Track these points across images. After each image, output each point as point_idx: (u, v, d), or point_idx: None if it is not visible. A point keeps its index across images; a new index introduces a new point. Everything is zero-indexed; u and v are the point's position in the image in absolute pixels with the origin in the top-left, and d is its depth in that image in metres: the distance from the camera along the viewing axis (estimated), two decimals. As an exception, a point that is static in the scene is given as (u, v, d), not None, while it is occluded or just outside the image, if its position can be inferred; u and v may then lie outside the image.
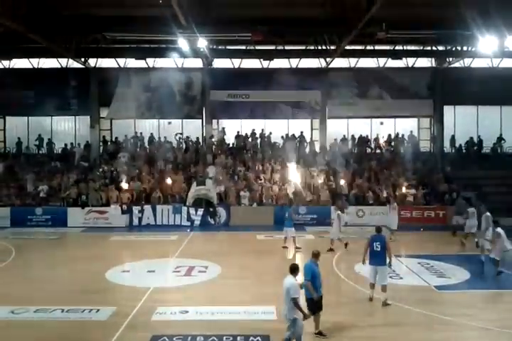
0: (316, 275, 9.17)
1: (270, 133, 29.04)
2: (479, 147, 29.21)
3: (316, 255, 9.40)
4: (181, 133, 29.31)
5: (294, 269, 8.33)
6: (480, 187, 25.47)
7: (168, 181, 24.38)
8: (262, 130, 29.09)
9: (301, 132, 29.01)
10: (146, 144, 29.05)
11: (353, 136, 29.49)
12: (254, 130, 29.07)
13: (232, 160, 27.14)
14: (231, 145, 29.07)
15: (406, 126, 30.01)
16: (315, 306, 9.09)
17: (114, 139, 29.41)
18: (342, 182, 24.62)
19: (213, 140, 29.15)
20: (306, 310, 8.39)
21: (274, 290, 12.14)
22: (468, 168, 26.58)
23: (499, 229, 13.61)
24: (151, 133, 29.44)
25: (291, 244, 17.36)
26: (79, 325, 9.88)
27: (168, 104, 28.66)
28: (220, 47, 26.69)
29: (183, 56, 26.07)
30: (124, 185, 23.92)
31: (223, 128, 29.54)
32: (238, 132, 29.20)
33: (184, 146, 28.97)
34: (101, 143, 29.79)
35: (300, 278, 8.90)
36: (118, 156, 26.79)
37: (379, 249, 11.28)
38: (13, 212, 23.28)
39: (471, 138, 29.22)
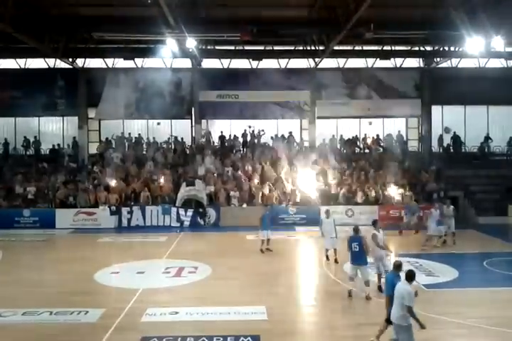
0: None
1: (262, 132, 28.95)
2: (460, 144, 29.41)
3: (398, 266, 8.57)
4: (175, 137, 29.18)
5: (411, 276, 7.88)
6: (467, 186, 25.73)
7: (157, 182, 24.28)
8: (253, 131, 29.06)
9: (290, 132, 29.04)
10: (135, 145, 28.90)
11: (341, 135, 29.60)
12: (246, 130, 29.06)
13: (221, 160, 27.10)
14: (219, 146, 29.01)
15: (394, 126, 30.21)
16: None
17: (105, 139, 29.21)
18: (331, 181, 24.75)
19: (201, 140, 29.09)
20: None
21: (265, 290, 12.21)
22: (456, 167, 26.79)
23: None
24: (139, 134, 29.31)
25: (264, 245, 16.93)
26: (67, 327, 9.80)
27: (157, 104, 28.51)
28: (209, 47, 26.63)
29: (171, 56, 25.96)
30: (113, 186, 23.80)
31: (207, 128, 29.52)
32: (222, 132, 29.15)
33: (173, 147, 28.87)
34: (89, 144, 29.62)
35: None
36: (110, 157, 26.63)
37: (357, 250, 11.47)
38: (0, 213, 23.03)
39: (454, 132, 29.42)
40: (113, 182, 24.12)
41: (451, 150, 29.59)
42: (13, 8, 19.34)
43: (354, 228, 11.94)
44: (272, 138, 28.97)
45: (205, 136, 29.08)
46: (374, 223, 12.59)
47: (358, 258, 11.48)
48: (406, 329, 7.66)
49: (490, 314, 10.41)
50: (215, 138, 29.27)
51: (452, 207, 18.63)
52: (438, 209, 17.80)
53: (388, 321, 8.14)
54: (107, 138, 29.04)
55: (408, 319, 7.64)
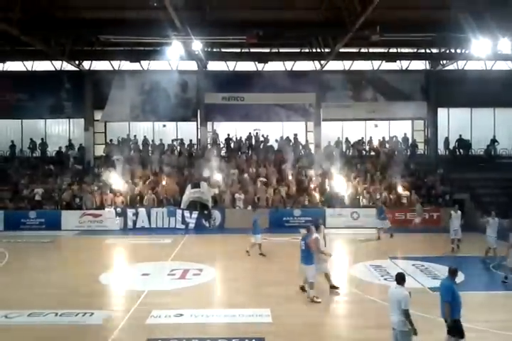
0: (457, 297, 8.18)
1: (267, 135, 29.07)
2: (468, 147, 29.33)
3: (454, 272, 8.23)
4: (181, 139, 29.29)
5: (402, 279, 7.80)
6: (474, 189, 25.60)
7: (163, 184, 24.33)
8: (257, 133, 29.10)
9: (295, 134, 29.04)
10: (141, 147, 28.98)
11: (347, 138, 29.56)
12: (250, 133, 29.08)
13: (227, 162, 27.12)
14: (225, 148, 29.05)
15: (400, 129, 30.14)
16: (456, 330, 8.17)
17: (109, 141, 29.31)
18: (337, 184, 24.72)
19: (209, 143, 29.14)
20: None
21: (269, 292, 12.18)
22: (462, 170, 26.66)
23: None
24: (144, 136, 29.40)
25: (254, 248, 16.79)
26: (73, 328, 9.81)
27: (163, 106, 28.60)
28: (214, 49, 26.74)
29: (177, 58, 26.04)
30: (118, 188, 23.86)
31: (214, 130, 29.55)
32: (228, 135, 29.22)
33: (178, 149, 28.93)
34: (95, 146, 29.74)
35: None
36: (112, 159, 26.72)
37: (303, 248, 11.54)
38: (6, 215, 23.16)
39: (460, 135, 29.36)
40: (119, 184, 24.18)
41: (458, 153, 29.48)
42: (20, 12, 19.48)
43: (307, 226, 11.95)
44: (276, 140, 28.98)
45: (213, 139, 29.11)
46: (316, 226, 12.49)
47: (303, 257, 11.53)
48: (407, 334, 7.54)
49: (496, 318, 10.35)
50: (222, 141, 29.30)
51: (460, 212, 18.04)
52: (495, 218, 16.14)
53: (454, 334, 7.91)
54: (111, 140, 29.15)
55: (403, 323, 7.53)
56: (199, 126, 29.89)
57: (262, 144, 28.88)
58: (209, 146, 28.91)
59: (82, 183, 25.15)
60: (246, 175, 25.71)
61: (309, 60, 28.90)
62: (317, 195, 24.24)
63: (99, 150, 29.63)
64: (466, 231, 20.68)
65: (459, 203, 24.32)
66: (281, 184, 25.14)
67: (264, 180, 24.97)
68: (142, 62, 28.56)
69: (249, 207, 23.77)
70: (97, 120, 29.99)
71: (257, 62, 28.39)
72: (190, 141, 29.33)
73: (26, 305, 11.08)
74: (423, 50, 27.74)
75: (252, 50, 27.13)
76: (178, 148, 29.01)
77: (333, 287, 12.17)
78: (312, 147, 29.37)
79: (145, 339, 9.11)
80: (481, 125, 29.91)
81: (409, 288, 12.50)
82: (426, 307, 10.99)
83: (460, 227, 17.60)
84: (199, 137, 29.86)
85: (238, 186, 24.81)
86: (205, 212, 23.27)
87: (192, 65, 29.21)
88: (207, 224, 23.20)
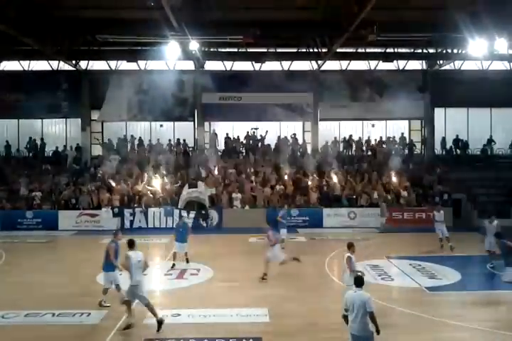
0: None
1: (265, 134, 29.04)
2: (464, 147, 29.41)
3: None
4: (178, 139, 29.28)
5: (361, 282, 7.60)
6: (470, 188, 25.66)
7: (159, 184, 24.29)
8: (254, 132, 29.10)
9: (293, 134, 29.05)
10: (136, 147, 28.97)
11: (344, 138, 29.58)
12: (248, 133, 29.10)
13: (224, 162, 27.13)
14: (223, 148, 29.05)
15: (397, 129, 30.20)
16: None
17: (107, 141, 29.28)
18: (334, 184, 24.75)
19: (207, 143, 29.13)
20: None
21: (267, 292, 12.19)
22: (459, 169, 26.73)
23: None
24: (139, 137, 29.39)
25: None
26: (70, 328, 9.80)
27: (160, 106, 28.55)
28: (211, 49, 26.73)
29: (174, 58, 26.01)
30: (115, 188, 23.82)
31: (214, 130, 29.54)
32: (227, 134, 29.22)
33: (175, 149, 28.91)
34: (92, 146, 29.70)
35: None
36: (109, 159, 26.68)
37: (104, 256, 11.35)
38: (3, 215, 23.10)
39: (457, 135, 29.46)
40: (115, 184, 24.14)
41: (454, 153, 29.55)
42: (16, 11, 19.44)
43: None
44: (275, 144, 28.94)
45: (211, 138, 29.09)
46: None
47: (103, 264, 11.34)
48: (369, 337, 7.34)
49: (493, 317, 10.37)
50: (221, 140, 29.28)
51: (442, 211, 18.30)
52: (495, 221, 15.41)
53: None
54: (109, 140, 29.12)
55: (370, 327, 7.31)
56: (196, 126, 29.88)
57: (260, 143, 28.87)
58: (206, 146, 28.89)
59: (79, 183, 25.10)
60: (243, 175, 25.70)
61: (306, 60, 28.90)
62: (314, 195, 24.23)
63: (96, 150, 29.57)
64: (463, 231, 20.80)
65: (456, 203, 24.53)
66: (278, 183, 25.11)
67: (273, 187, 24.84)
68: (139, 61, 28.49)
69: (246, 207, 23.79)
70: (94, 120, 29.95)
71: (254, 62, 28.43)
72: (184, 140, 29.26)
73: (23, 305, 11.06)
74: (420, 50, 27.76)
75: (249, 49, 27.10)
76: (176, 147, 28.97)
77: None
78: (309, 147, 29.38)
79: (142, 339, 9.11)
80: (477, 125, 30.01)
81: (406, 287, 12.71)
82: (422, 306, 11.05)
83: (445, 226, 17.83)
84: (196, 137, 29.85)
85: (236, 185, 24.80)
86: (203, 211, 23.26)
87: (189, 65, 29.19)
88: (204, 224, 23.19)
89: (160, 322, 9.56)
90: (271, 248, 13.72)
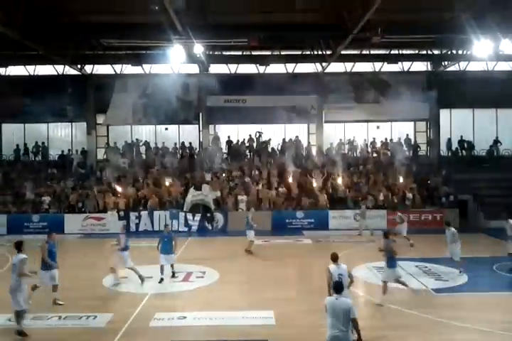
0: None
1: (269, 139, 29.12)
2: (470, 148, 29.30)
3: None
4: (183, 142, 29.37)
5: (341, 288, 7.38)
6: (476, 190, 25.55)
7: (165, 187, 24.35)
8: (259, 135, 29.10)
9: (297, 136, 29.06)
10: (142, 150, 29.05)
11: (349, 140, 29.54)
12: (251, 135, 29.12)
13: (229, 165, 27.17)
14: (227, 151, 29.09)
15: (402, 130, 30.12)
16: None
17: (113, 145, 29.38)
18: (339, 186, 24.70)
19: (210, 146, 29.17)
20: None
21: (273, 295, 12.17)
22: (465, 170, 26.62)
23: None
24: (145, 140, 29.48)
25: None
26: (76, 332, 9.83)
27: (165, 109, 28.68)
28: (216, 52, 26.79)
29: (179, 62, 26.09)
30: (121, 191, 23.89)
31: (216, 133, 29.55)
32: (229, 137, 29.26)
33: (181, 152, 28.98)
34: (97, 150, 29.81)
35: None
36: (118, 162, 26.78)
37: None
38: (9, 219, 23.23)
39: (461, 136, 29.40)
40: (121, 188, 24.21)
41: (460, 154, 29.44)
42: (22, 16, 19.59)
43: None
44: (279, 146, 28.95)
45: (214, 141, 29.14)
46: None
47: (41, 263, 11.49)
48: None
49: (500, 319, 10.31)
50: (223, 143, 29.34)
51: (400, 214, 19.75)
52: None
53: None
54: (115, 143, 29.24)
55: (350, 334, 7.04)
56: (201, 129, 29.94)
57: (264, 146, 28.89)
58: (211, 149, 28.93)
59: (85, 187, 25.19)
60: (248, 178, 25.70)
61: (311, 62, 28.91)
62: (320, 197, 24.18)
63: (102, 154, 29.68)
64: (469, 233, 20.69)
65: (462, 204, 24.41)
66: (283, 186, 25.10)
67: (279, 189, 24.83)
68: (144, 65, 28.65)
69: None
70: (100, 124, 30.08)
71: (258, 65, 28.45)
72: (190, 143, 29.34)
73: (30, 309, 11.06)
74: (425, 52, 27.78)
75: (253, 52, 27.18)
76: (181, 150, 29.04)
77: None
78: (314, 149, 29.36)
79: (148, 342, 9.14)
80: (483, 126, 29.89)
81: (412, 289, 12.63)
82: (429, 308, 11.00)
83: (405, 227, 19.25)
84: (201, 140, 29.90)
85: (241, 188, 24.81)
86: (208, 214, 23.29)
87: (194, 68, 29.29)
88: (209, 227, 23.22)
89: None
90: (118, 252, 13.44)
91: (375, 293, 11.77)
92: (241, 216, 23.26)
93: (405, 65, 29.71)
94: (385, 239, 11.87)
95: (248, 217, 17.97)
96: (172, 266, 14.00)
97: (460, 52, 25.59)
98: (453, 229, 14.66)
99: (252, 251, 17.57)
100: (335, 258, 9.12)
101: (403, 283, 11.67)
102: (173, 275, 14.01)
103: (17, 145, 29.54)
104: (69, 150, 29.44)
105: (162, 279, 13.64)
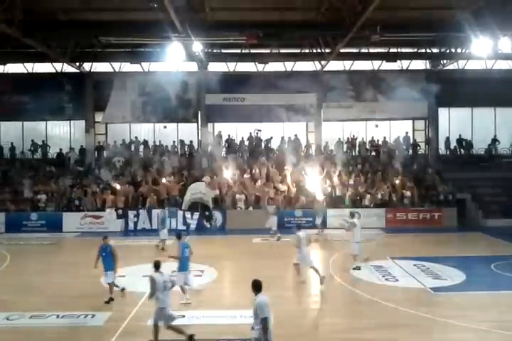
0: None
1: (271, 137, 29.08)
2: (469, 147, 29.31)
3: None
4: (181, 140, 29.37)
5: (259, 287, 7.63)
6: (475, 188, 25.58)
7: (163, 185, 24.31)
8: (257, 133, 29.07)
9: (295, 135, 29.03)
10: (141, 148, 28.99)
11: (348, 138, 29.53)
12: (251, 133, 29.08)
13: (227, 163, 27.08)
14: (226, 149, 29.04)
15: (401, 129, 30.10)
16: None
17: (112, 143, 29.33)
18: (337, 184, 24.68)
19: (210, 144, 29.14)
20: None
21: (271, 293, 12.11)
22: (463, 169, 26.64)
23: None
24: (144, 139, 29.43)
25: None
26: (74, 330, 9.84)
27: (164, 107, 28.64)
28: (215, 50, 26.75)
29: (178, 60, 26.03)
30: (119, 190, 23.85)
31: (220, 132, 29.52)
32: (229, 135, 29.23)
33: (179, 150, 28.94)
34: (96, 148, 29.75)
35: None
36: (113, 160, 26.73)
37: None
38: (8, 217, 23.18)
39: (460, 135, 29.39)
40: (119, 186, 24.17)
41: (459, 153, 29.44)
42: (21, 14, 19.52)
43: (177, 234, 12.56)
44: (280, 146, 28.92)
45: (215, 140, 29.08)
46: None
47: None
48: None
49: (498, 318, 10.33)
50: (223, 141, 29.29)
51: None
52: None
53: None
54: (115, 142, 29.14)
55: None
56: (200, 127, 29.90)
57: (263, 144, 28.86)
58: (210, 147, 28.88)
59: (83, 185, 25.15)
60: (247, 176, 25.67)
61: (310, 61, 28.89)
62: (318, 195, 24.13)
63: (99, 152, 29.60)
64: (468, 231, 20.74)
65: (460, 203, 24.43)
66: (282, 184, 25.08)
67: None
68: (143, 63, 28.56)
69: (250, 208, 23.81)
70: (98, 122, 30.00)
71: (257, 63, 28.40)
72: (191, 141, 29.32)
73: (27, 307, 11.09)
74: (423, 50, 27.71)
75: (252, 50, 27.12)
76: (179, 149, 29.00)
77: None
78: (313, 147, 29.34)
79: (146, 340, 9.11)
80: (481, 124, 29.89)
81: (411, 288, 12.65)
82: (427, 307, 11.01)
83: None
84: (200, 138, 29.86)
85: (239, 187, 24.78)
86: (207, 213, 23.24)
87: (192, 66, 29.22)
88: (208, 225, 23.17)
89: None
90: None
91: (373, 291, 11.73)
92: (240, 214, 23.39)
93: (404, 64, 29.70)
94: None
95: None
96: (113, 284, 11.92)
97: (459, 50, 25.54)
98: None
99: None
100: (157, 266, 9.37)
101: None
102: (111, 299, 11.67)
103: (11, 143, 29.30)
104: (69, 148, 29.29)
105: (111, 299, 11.67)
